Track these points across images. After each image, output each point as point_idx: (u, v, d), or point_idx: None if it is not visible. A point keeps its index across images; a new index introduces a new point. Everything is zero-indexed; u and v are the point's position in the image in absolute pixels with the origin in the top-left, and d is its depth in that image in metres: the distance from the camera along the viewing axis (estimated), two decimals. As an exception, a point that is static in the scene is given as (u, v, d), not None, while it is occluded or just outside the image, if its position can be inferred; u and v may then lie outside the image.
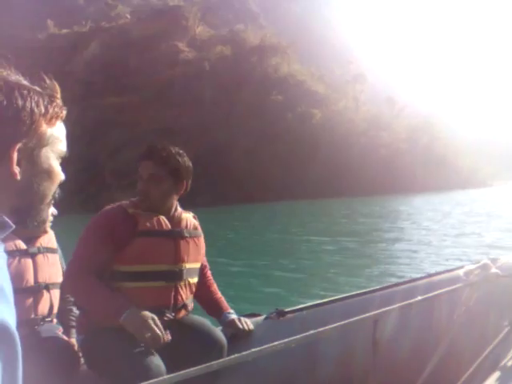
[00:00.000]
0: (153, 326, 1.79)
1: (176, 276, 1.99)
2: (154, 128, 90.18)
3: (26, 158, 0.76)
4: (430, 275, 2.17)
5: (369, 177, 74.13)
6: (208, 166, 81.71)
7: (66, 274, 1.99)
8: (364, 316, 1.60)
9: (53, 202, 0.84)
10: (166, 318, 1.94)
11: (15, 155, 0.74)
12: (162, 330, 1.81)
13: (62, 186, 0.88)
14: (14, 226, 0.76)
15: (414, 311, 1.87)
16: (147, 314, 1.81)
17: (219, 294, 2.32)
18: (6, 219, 0.74)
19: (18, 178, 0.75)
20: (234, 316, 2.26)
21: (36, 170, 0.79)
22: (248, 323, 2.21)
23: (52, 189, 0.83)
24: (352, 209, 33.81)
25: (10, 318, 0.65)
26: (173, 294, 2.00)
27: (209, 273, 2.33)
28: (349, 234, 16.26)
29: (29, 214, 0.81)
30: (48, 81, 0.83)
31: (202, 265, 2.23)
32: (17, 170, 0.75)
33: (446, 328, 1.70)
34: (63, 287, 2.04)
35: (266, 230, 21.12)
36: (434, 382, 1.61)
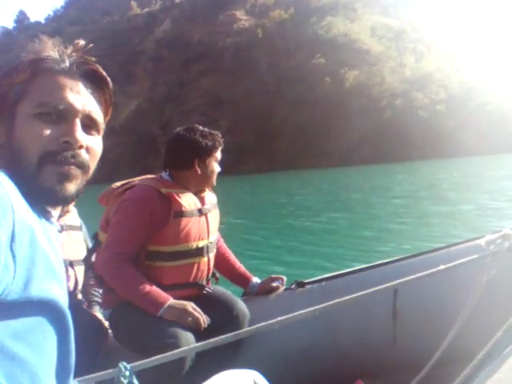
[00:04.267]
0: (192, 311, 1.86)
1: (208, 250, 2.07)
2: (205, 100, 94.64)
3: (1, 123, 0.75)
4: (450, 245, 2.13)
5: (407, 140, 69.42)
6: (251, 133, 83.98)
7: (103, 257, 1.94)
8: (385, 286, 1.59)
9: (65, 168, 0.75)
10: (204, 292, 2.08)
11: None
12: (202, 313, 1.88)
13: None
14: (54, 217, 0.78)
15: (434, 281, 1.82)
16: (184, 302, 1.88)
17: (239, 263, 2.38)
18: (49, 209, 0.76)
19: None
20: (258, 280, 2.34)
21: (9, 131, 0.75)
22: (275, 282, 2.31)
23: (31, 148, 0.74)
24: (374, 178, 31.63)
25: (61, 296, 0.69)
26: (206, 267, 2.08)
27: (222, 241, 2.37)
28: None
29: (24, 181, 0.73)
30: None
31: None
32: None
33: (466, 298, 1.63)
34: (100, 269, 1.97)
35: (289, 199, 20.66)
36: (455, 352, 1.57)
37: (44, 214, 0.75)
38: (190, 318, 1.85)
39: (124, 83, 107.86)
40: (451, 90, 76.91)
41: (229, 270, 2.35)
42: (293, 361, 2.08)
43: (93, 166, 0.80)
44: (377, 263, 2.26)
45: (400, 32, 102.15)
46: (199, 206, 2.06)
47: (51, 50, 0.78)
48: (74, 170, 0.76)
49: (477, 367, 1.08)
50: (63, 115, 0.76)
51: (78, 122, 0.76)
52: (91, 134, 0.80)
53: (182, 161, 2.03)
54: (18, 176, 0.70)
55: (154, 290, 1.88)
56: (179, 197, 1.97)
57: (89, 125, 0.79)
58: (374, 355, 2.04)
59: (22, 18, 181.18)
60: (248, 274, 2.37)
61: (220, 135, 2.12)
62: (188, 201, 2.01)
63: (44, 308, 0.65)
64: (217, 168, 2.11)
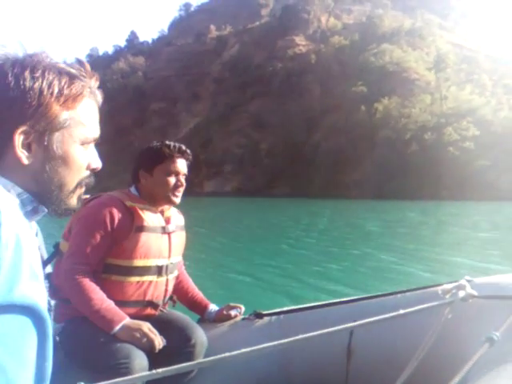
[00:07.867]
0: (148, 331, 1.81)
1: (167, 270, 2.05)
2: (248, 122, 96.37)
3: (36, 142, 0.73)
4: (407, 290, 2.17)
5: (432, 179, 64.22)
6: (287, 157, 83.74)
7: (64, 268, 1.88)
8: (342, 327, 1.65)
9: (83, 190, 0.79)
10: (159, 312, 2.05)
11: (19, 138, 0.71)
12: (157, 334, 1.84)
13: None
14: (46, 211, 0.77)
15: (390, 324, 1.90)
16: (140, 322, 1.85)
17: (197, 290, 2.34)
18: (38, 215, 0.76)
19: (25, 162, 0.72)
20: (216, 307, 2.30)
21: (48, 156, 0.74)
22: (233, 311, 2.27)
23: (72, 176, 0.77)
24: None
25: (42, 300, 0.68)
26: (164, 287, 2.05)
27: (184, 268, 2.34)
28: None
29: (50, 201, 0.76)
30: (77, 63, 0.79)
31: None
32: (23, 153, 0.72)
33: (420, 343, 1.67)
34: (60, 280, 1.88)
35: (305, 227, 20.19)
36: None
37: (30, 219, 0.75)
38: (145, 339, 1.82)
39: (189, 102, 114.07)
40: (494, 127, 69.39)
41: (186, 297, 2.32)
42: None
43: None
44: (336, 301, 2.30)
45: (468, 61, 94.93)
46: (163, 224, 2.05)
47: (90, 77, 0.80)
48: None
49: None
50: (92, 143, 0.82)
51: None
52: None
53: (133, 172, 2.07)
54: (44, 198, 0.74)
55: (111, 307, 1.86)
56: (142, 211, 1.98)
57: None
58: None
59: (132, 37, 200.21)
60: (206, 301, 2.34)
61: (183, 148, 2.07)
62: (151, 217, 2.00)
63: (26, 312, 0.65)
64: (172, 181, 2.04)
